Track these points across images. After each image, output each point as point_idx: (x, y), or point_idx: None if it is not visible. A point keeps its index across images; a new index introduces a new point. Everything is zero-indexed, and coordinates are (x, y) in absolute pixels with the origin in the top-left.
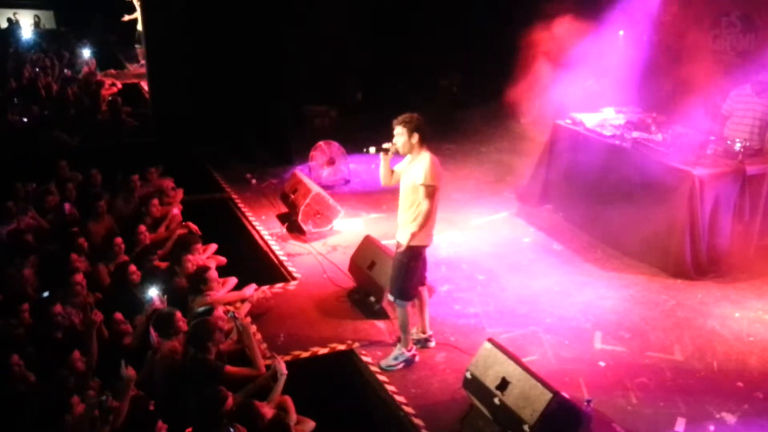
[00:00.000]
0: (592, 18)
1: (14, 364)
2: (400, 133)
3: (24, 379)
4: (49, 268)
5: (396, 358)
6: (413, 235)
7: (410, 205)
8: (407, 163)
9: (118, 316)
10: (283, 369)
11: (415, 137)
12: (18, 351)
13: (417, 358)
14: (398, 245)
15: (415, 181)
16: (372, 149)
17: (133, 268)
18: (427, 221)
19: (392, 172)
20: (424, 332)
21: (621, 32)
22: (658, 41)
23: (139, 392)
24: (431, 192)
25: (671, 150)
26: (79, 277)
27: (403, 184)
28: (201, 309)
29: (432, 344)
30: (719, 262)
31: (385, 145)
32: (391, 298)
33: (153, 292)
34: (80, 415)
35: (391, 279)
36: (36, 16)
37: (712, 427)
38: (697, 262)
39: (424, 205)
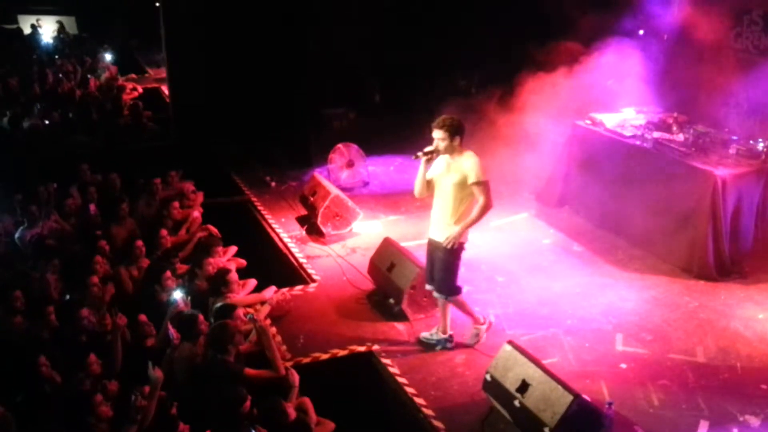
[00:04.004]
0: (612, 17)
1: (41, 364)
2: (441, 137)
3: (51, 380)
4: (73, 271)
5: (478, 335)
6: (467, 227)
7: (459, 201)
8: (444, 164)
9: (143, 318)
10: (295, 381)
11: (457, 140)
12: (43, 353)
13: (494, 319)
14: (438, 244)
15: (466, 179)
16: (420, 154)
17: (168, 274)
18: (485, 214)
19: (428, 183)
20: (444, 332)
21: (641, 31)
22: (679, 40)
23: (162, 393)
24: (487, 187)
25: (693, 150)
26: (96, 278)
27: (445, 184)
28: (219, 304)
29: (451, 345)
30: (742, 262)
31: (428, 149)
32: (440, 296)
33: (177, 295)
34: (104, 414)
35: (440, 279)
36: (59, 22)
37: (735, 430)
38: (720, 263)
39: (482, 200)
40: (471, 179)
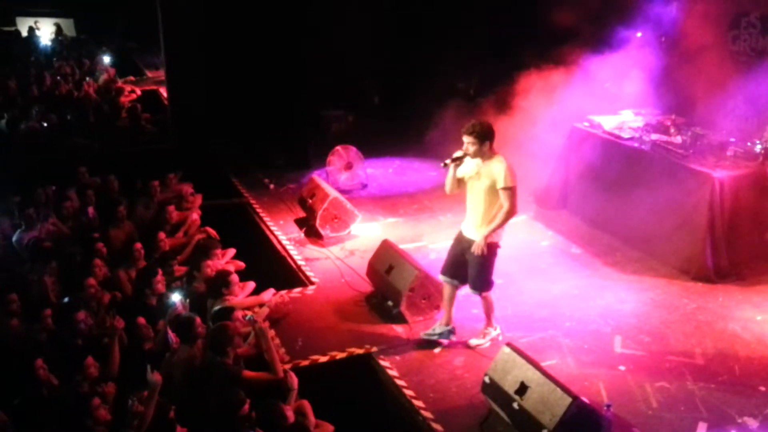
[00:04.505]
0: (610, 20)
1: (39, 367)
2: (471, 142)
3: (48, 383)
4: (71, 273)
5: (485, 336)
6: (492, 232)
7: (489, 205)
8: (475, 166)
9: (141, 320)
10: (293, 384)
11: (486, 145)
12: (41, 355)
13: (501, 337)
14: (471, 242)
15: (495, 184)
16: (448, 162)
17: (159, 277)
18: (508, 220)
19: (458, 181)
20: (447, 324)
21: (639, 34)
22: (676, 42)
23: (160, 398)
24: (513, 193)
25: (691, 152)
26: (92, 281)
27: (478, 186)
28: (217, 307)
29: (454, 338)
30: (740, 264)
31: (457, 154)
32: (473, 292)
33: (176, 297)
34: (102, 417)
35: (474, 277)
36: (56, 24)
37: None
38: (718, 265)
39: (506, 206)
40: (499, 184)
